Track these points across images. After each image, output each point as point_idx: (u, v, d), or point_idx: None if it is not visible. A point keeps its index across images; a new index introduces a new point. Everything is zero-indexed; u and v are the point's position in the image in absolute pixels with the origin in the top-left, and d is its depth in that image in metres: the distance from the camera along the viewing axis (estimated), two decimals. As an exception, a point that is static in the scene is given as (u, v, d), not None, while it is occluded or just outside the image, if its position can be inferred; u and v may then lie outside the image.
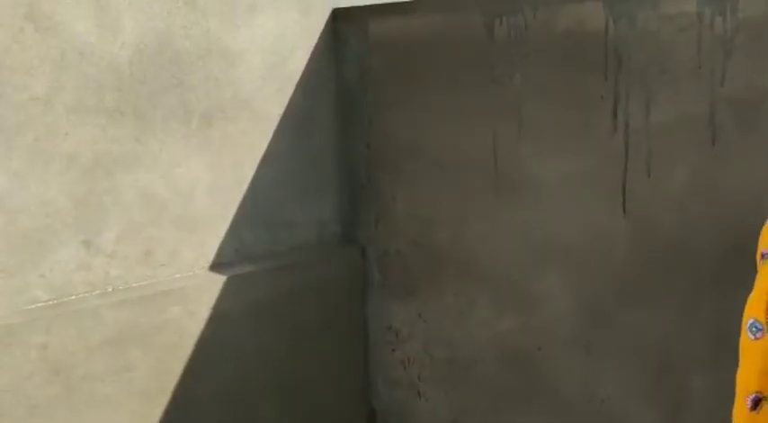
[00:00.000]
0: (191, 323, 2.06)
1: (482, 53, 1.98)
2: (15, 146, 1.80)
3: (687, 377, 1.75)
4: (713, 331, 1.69)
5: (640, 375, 1.83)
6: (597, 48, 1.76)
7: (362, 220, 2.40)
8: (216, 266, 2.16)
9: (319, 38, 2.29)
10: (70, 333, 1.86)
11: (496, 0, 1.93)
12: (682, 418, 1.77)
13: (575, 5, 1.79)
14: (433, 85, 2.12)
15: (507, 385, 2.10)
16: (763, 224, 1.02)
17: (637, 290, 1.80)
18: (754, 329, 0.93)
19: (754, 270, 1.02)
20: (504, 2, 1.91)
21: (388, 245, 2.34)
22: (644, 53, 1.69)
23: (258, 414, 2.21)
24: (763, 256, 0.98)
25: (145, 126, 1.99)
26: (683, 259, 1.72)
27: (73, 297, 1.93)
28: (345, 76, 2.35)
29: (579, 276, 1.90)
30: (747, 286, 1.02)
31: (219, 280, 2.11)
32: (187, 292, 2.05)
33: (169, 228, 2.07)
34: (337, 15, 2.32)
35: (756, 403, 0.93)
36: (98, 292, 1.97)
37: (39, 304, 1.88)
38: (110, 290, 1.99)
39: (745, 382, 0.95)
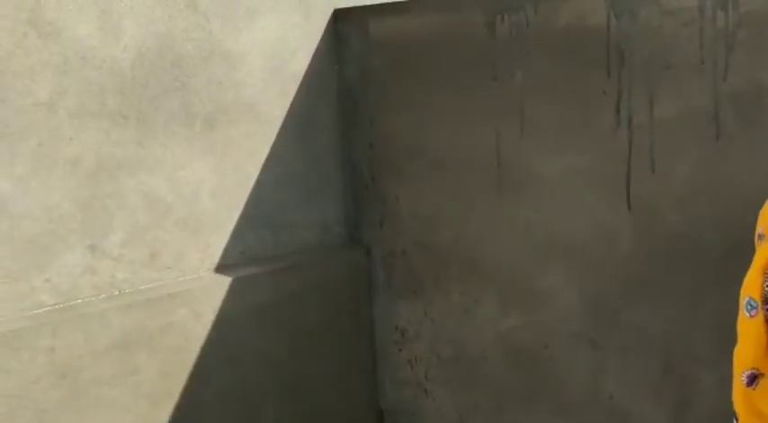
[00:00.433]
0: (197, 325, 2.06)
1: (483, 51, 1.98)
2: (19, 151, 1.81)
3: (693, 374, 1.74)
4: (718, 327, 1.68)
5: (646, 372, 1.82)
6: (599, 44, 1.76)
7: (367, 221, 2.40)
8: (221, 268, 2.17)
9: (320, 39, 2.30)
10: (77, 337, 1.86)
11: (497, -2, 1.93)
12: (687, 415, 1.77)
13: (576, 1, 1.79)
14: (434, 85, 2.12)
15: (514, 383, 2.10)
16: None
17: (642, 286, 1.80)
18: (749, 307, 0.96)
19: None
20: (505, -1, 1.91)
21: (393, 245, 2.34)
22: (646, 49, 1.69)
23: (264, 416, 2.21)
24: (759, 236, 1.00)
25: (148, 129, 1.99)
26: (688, 255, 1.71)
27: (79, 301, 1.93)
28: (347, 77, 2.35)
29: (584, 273, 1.90)
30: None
31: (225, 282, 2.11)
32: (193, 294, 2.05)
33: (174, 230, 2.07)
34: (338, 16, 2.32)
35: (752, 379, 0.96)
36: (104, 295, 1.97)
37: (45, 308, 1.88)
38: (116, 293, 1.99)
39: (741, 359, 0.98)
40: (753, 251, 1.05)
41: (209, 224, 2.14)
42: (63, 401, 1.85)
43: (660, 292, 1.77)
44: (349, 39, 2.31)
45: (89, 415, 1.89)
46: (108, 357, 1.91)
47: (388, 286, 2.38)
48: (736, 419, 1.00)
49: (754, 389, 0.95)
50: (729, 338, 1.57)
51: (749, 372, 0.96)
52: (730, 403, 1.03)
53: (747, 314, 0.97)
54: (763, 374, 0.95)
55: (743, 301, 0.98)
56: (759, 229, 1.01)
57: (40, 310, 1.88)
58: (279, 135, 2.24)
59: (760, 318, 0.95)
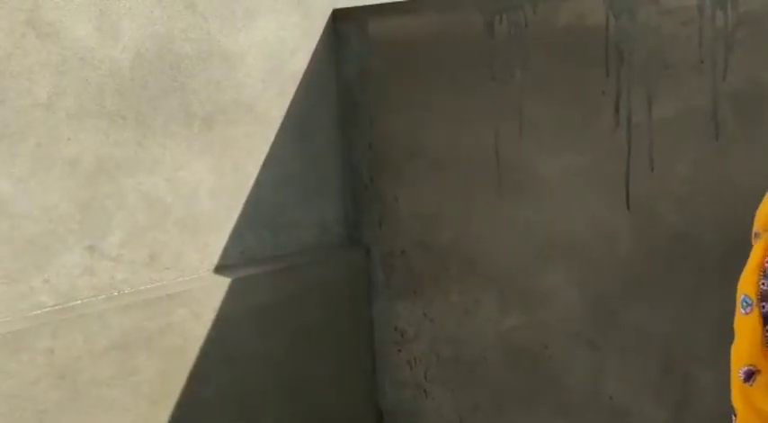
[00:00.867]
0: (196, 326, 2.06)
1: (482, 51, 1.97)
2: (18, 151, 1.81)
3: (692, 373, 1.74)
4: (718, 327, 1.68)
5: (646, 372, 1.82)
6: (598, 43, 1.76)
7: (366, 221, 2.40)
8: (220, 269, 2.17)
9: (320, 39, 2.30)
10: (76, 338, 1.86)
11: (496, -2, 1.93)
12: (687, 415, 1.77)
13: (575, 1, 1.79)
14: (433, 85, 2.12)
15: (513, 383, 2.10)
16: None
17: (641, 286, 1.80)
18: (744, 305, 0.99)
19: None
20: (504, -1, 1.91)
21: (393, 245, 2.34)
22: (645, 48, 1.69)
23: (264, 417, 2.21)
24: (755, 235, 1.02)
25: (146, 130, 1.99)
26: (688, 254, 1.71)
27: (78, 302, 1.93)
28: (346, 77, 2.35)
29: (584, 273, 1.90)
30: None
31: (224, 282, 2.11)
32: (192, 294, 2.05)
33: (173, 231, 2.07)
34: (337, 16, 2.32)
35: (749, 376, 0.97)
36: (103, 296, 1.97)
37: (44, 309, 1.88)
38: (115, 294, 1.99)
39: (738, 356, 1.00)
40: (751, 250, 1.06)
41: (209, 224, 2.14)
42: (62, 402, 1.85)
43: (660, 291, 1.77)
44: (348, 39, 2.31)
45: (88, 415, 1.89)
46: (107, 358, 1.91)
47: (387, 286, 2.38)
48: (735, 415, 1.01)
49: (751, 385, 0.97)
50: (729, 338, 1.57)
51: (746, 368, 0.97)
52: (730, 402, 1.03)
53: (743, 311, 0.98)
54: (759, 371, 0.96)
55: (739, 298, 1.00)
56: (755, 228, 1.02)
57: (39, 311, 1.87)
58: (278, 135, 2.24)
59: (755, 315, 0.96)
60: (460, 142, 2.09)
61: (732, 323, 1.03)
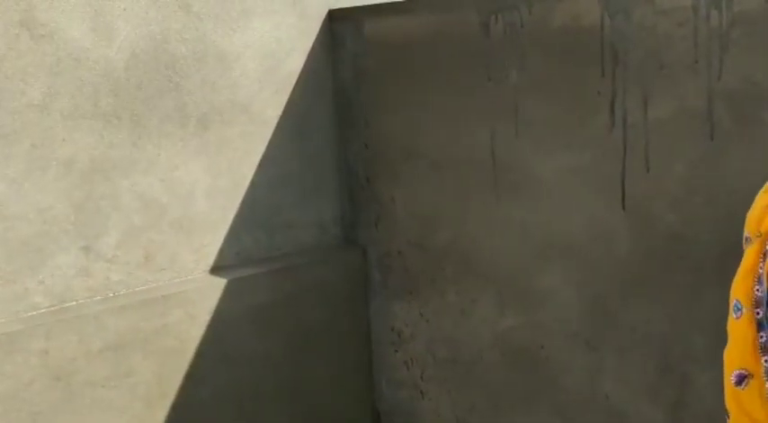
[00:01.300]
0: (192, 327, 2.05)
1: (478, 51, 1.97)
2: (12, 152, 1.81)
3: (690, 373, 1.74)
4: (715, 327, 1.68)
5: (643, 372, 1.82)
6: (593, 43, 1.76)
7: (362, 222, 2.40)
8: (216, 270, 2.16)
9: (315, 39, 2.29)
10: (71, 339, 1.86)
11: (492, -2, 1.93)
12: (684, 415, 1.77)
13: (570, 1, 1.79)
14: (429, 85, 2.12)
15: (510, 383, 2.10)
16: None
17: (638, 286, 1.80)
18: (735, 309, 0.99)
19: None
20: (500, -1, 1.91)
21: (389, 245, 2.33)
22: (640, 48, 1.68)
23: (261, 417, 2.21)
24: (746, 240, 1.02)
25: (142, 130, 1.99)
26: (684, 254, 1.71)
27: (73, 303, 1.93)
28: (342, 77, 2.35)
29: (580, 273, 1.89)
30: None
31: (220, 283, 2.11)
32: (188, 295, 2.05)
33: (169, 231, 2.07)
34: (333, 16, 2.31)
35: (741, 379, 0.98)
36: (98, 297, 1.97)
37: (39, 311, 1.88)
38: (110, 295, 1.99)
39: (730, 359, 1.01)
40: (747, 251, 1.06)
41: (204, 225, 2.14)
42: (57, 404, 1.84)
43: (657, 292, 1.77)
44: (344, 39, 2.31)
45: (83, 417, 1.89)
46: (102, 359, 1.91)
47: (383, 287, 2.38)
48: (728, 417, 1.01)
49: (743, 389, 0.97)
50: (726, 339, 1.56)
51: (737, 371, 0.98)
52: (724, 405, 1.04)
53: (734, 316, 0.99)
54: (751, 375, 0.96)
55: (731, 302, 1.00)
56: (746, 233, 1.02)
57: (33, 312, 1.87)
58: (274, 135, 2.24)
59: (745, 319, 0.97)
60: (457, 142, 2.09)
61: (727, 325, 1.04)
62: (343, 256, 2.40)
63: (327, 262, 2.36)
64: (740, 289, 0.98)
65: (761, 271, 0.96)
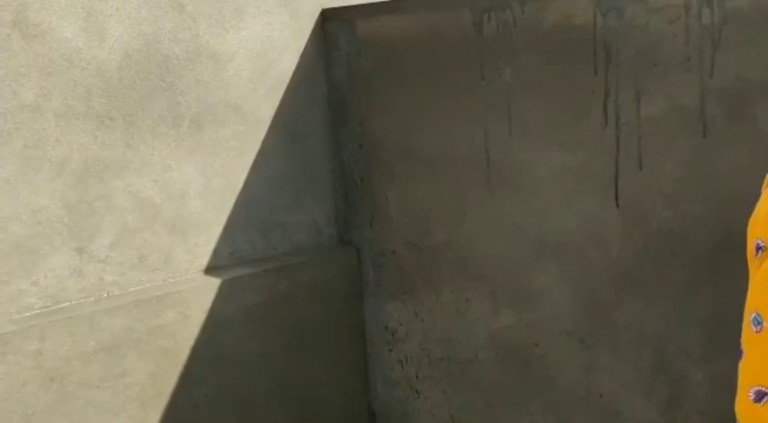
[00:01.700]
0: (186, 328, 2.05)
1: (471, 50, 1.98)
2: (5, 153, 1.80)
3: (683, 371, 1.74)
4: (709, 323, 1.69)
5: (637, 370, 1.82)
6: (586, 42, 1.76)
7: (357, 221, 2.40)
8: (210, 270, 2.16)
9: (308, 39, 2.29)
10: (65, 340, 1.85)
11: (484, -3, 1.93)
12: (678, 413, 1.77)
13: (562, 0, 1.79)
14: (423, 84, 2.12)
15: (505, 381, 2.10)
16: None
17: (632, 283, 1.80)
18: (755, 323, 0.92)
19: (746, 260, 1.01)
20: (493, -2, 1.91)
21: (384, 245, 2.33)
22: (633, 46, 1.69)
23: (255, 418, 2.20)
24: (758, 248, 0.96)
25: (135, 131, 1.98)
26: (678, 251, 1.71)
27: (67, 304, 1.92)
28: (336, 77, 2.35)
29: (574, 271, 1.90)
30: (741, 277, 1.01)
31: (214, 284, 2.10)
32: (182, 296, 2.04)
33: (162, 232, 2.06)
34: (326, 16, 2.31)
35: (761, 397, 0.92)
36: (92, 298, 1.96)
37: (33, 311, 1.87)
38: (104, 296, 1.98)
39: (748, 375, 0.94)
40: (743, 247, 1.04)
41: (198, 225, 2.13)
42: (51, 405, 1.84)
43: (650, 289, 1.77)
44: (337, 39, 2.31)
45: (78, 418, 1.88)
46: (96, 360, 1.90)
47: (378, 286, 2.38)
48: None
49: (762, 406, 0.93)
50: (720, 336, 1.57)
51: (757, 388, 0.92)
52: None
53: (754, 329, 0.93)
54: None
55: (749, 314, 0.94)
56: (756, 241, 0.95)
57: (27, 313, 1.86)
58: (267, 135, 2.24)
59: (766, 333, 0.90)
60: (450, 142, 2.09)
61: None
62: (338, 255, 2.40)
63: (322, 262, 2.35)
64: (759, 301, 0.92)
65: None
